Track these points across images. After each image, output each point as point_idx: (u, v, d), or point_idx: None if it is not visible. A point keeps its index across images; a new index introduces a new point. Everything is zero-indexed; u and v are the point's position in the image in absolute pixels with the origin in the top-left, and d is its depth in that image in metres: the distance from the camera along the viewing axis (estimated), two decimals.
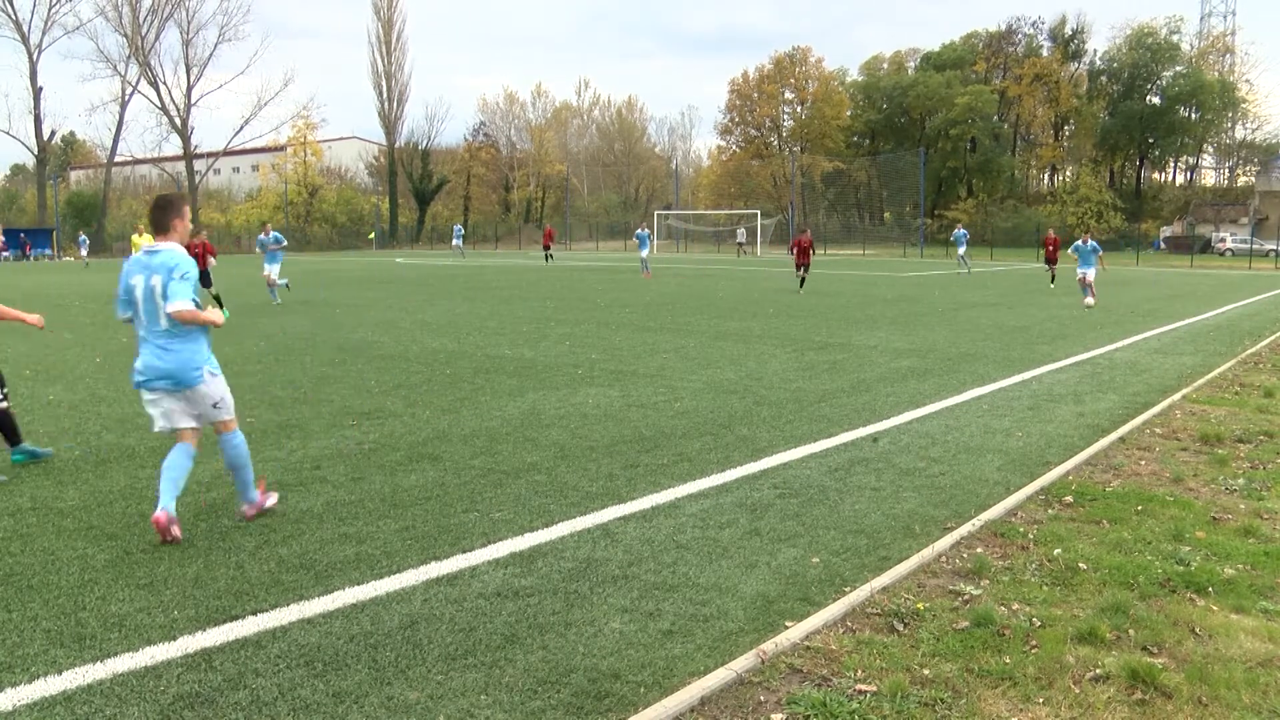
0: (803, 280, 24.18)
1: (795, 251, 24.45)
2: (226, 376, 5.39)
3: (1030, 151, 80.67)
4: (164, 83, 65.39)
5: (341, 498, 5.80)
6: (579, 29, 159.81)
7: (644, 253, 32.14)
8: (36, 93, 60.22)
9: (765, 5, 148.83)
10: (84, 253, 48.41)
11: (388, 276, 31.39)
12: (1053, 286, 25.54)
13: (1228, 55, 76.17)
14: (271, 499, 5.53)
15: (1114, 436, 7.50)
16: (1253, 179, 71.08)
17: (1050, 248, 27.25)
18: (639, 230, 34.01)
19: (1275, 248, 53.92)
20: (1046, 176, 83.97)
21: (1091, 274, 20.10)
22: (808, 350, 12.62)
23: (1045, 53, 77.17)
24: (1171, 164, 79.32)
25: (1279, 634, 3.92)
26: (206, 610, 4.11)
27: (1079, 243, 20.91)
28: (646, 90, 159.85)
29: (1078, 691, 3.43)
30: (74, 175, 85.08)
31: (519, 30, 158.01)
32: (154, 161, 69.71)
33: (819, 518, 5.46)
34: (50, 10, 60.32)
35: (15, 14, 59.14)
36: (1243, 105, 73.76)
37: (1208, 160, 79.96)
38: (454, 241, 50.45)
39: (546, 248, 44.44)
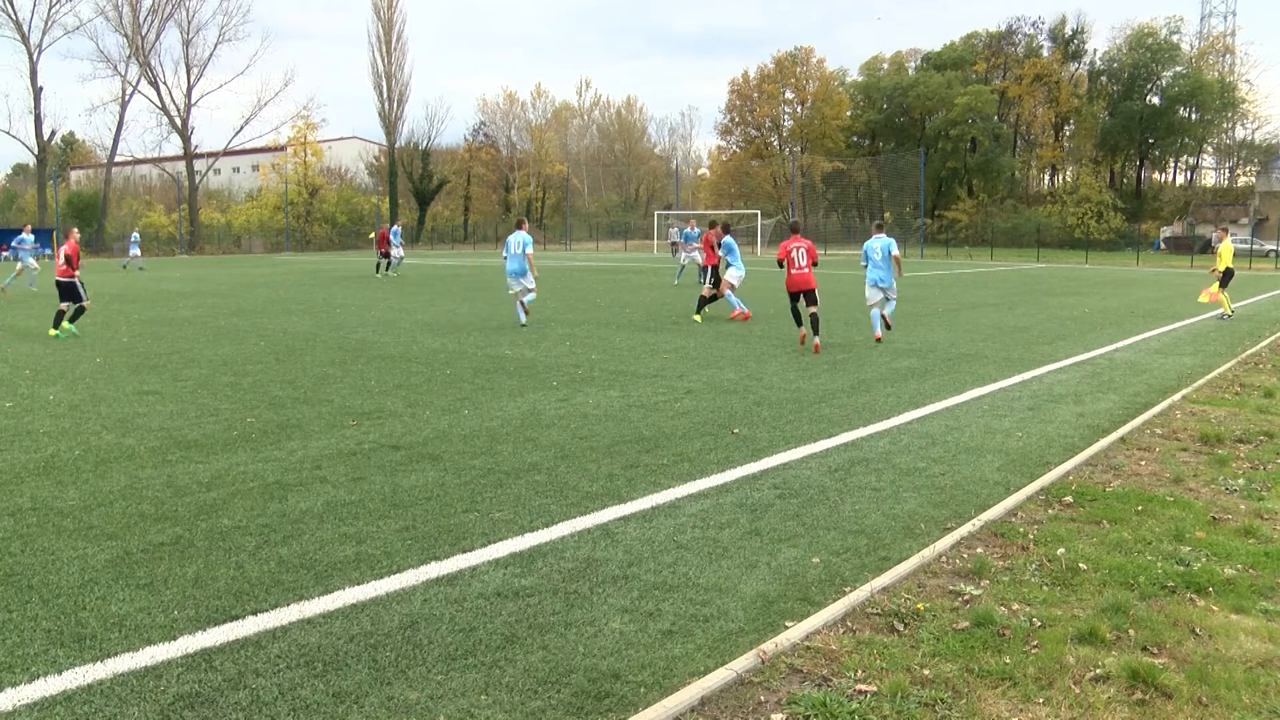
0: None
1: None
2: (227, 376, 5.40)
3: (1030, 152, 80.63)
4: (164, 83, 65.28)
5: (341, 498, 5.80)
6: (574, 29, 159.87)
7: (133, 251, 25.48)
8: (37, 93, 60.18)
9: (754, 6, 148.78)
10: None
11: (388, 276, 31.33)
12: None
13: (1228, 55, 76.15)
14: None
15: (1114, 437, 7.50)
16: (1253, 179, 71.08)
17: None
18: (133, 234, 26.45)
19: (1275, 248, 53.99)
20: (1046, 177, 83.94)
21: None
22: (808, 350, 12.61)
23: (1045, 53, 77.13)
24: (1171, 164, 79.30)
25: (1279, 634, 3.92)
26: (206, 610, 4.11)
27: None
28: (646, 91, 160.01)
29: (1078, 691, 3.43)
30: (74, 175, 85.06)
31: (518, 31, 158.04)
32: (154, 161, 69.65)
33: (819, 518, 5.46)
34: (50, 10, 60.19)
35: (15, 14, 59.03)
36: (1243, 105, 73.79)
37: (1208, 160, 79.98)
38: (131, 250, 34.31)
39: (384, 254, 31.04)
